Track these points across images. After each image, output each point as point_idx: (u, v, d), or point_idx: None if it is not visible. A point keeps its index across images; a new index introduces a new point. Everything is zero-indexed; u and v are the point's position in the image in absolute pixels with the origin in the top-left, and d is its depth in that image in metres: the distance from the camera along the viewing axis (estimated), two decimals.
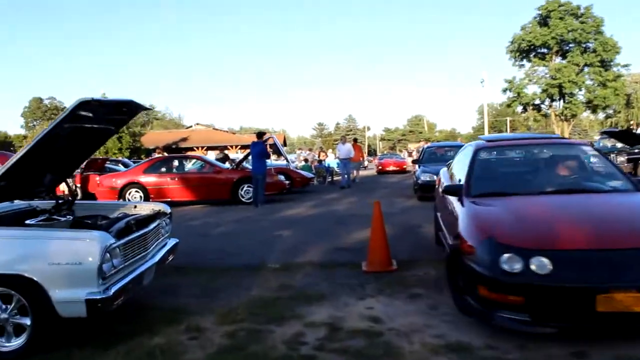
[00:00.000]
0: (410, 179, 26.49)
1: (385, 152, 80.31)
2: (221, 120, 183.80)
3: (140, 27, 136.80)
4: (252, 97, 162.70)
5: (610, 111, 50.32)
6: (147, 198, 15.25)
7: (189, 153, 45.10)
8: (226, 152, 51.19)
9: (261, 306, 5.13)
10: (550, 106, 43.98)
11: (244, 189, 15.27)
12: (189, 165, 16.36)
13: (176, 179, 15.46)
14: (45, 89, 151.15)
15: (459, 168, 6.49)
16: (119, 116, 5.22)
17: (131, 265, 4.43)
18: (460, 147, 17.74)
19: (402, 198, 15.45)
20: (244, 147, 45.15)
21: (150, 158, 18.27)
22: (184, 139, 58.83)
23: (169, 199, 15.34)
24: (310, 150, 36.72)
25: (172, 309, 5.11)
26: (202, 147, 56.43)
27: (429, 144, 20.07)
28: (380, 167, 34.53)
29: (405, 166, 33.68)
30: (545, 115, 45.71)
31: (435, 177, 13.25)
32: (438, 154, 16.74)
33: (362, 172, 37.80)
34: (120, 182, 15.50)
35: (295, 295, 5.43)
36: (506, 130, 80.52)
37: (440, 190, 6.65)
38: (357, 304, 5.12)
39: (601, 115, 54.47)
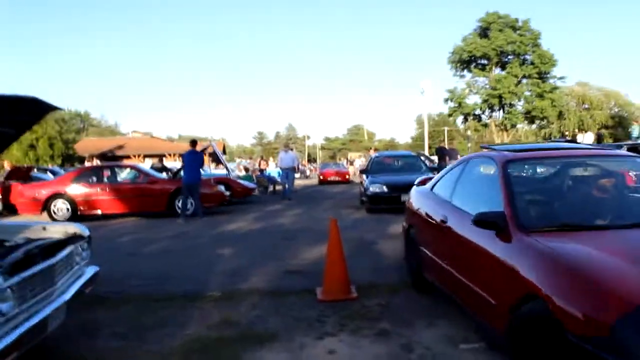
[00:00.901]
0: (354, 188, 25.97)
1: (326, 161, 79.98)
2: (159, 128, 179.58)
3: (75, 28, 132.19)
4: (191, 105, 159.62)
5: (544, 122, 51.34)
6: (75, 211, 14.01)
7: (125, 161, 43.33)
8: (164, 160, 49.77)
9: (199, 350, 4.21)
10: (490, 116, 44.53)
11: (181, 200, 14.18)
12: (122, 175, 15.11)
13: (107, 190, 14.23)
14: None
15: (470, 190, 4.90)
16: (20, 117, 4.22)
17: (31, 309, 3.46)
18: (410, 156, 17.43)
19: (349, 209, 14.73)
20: (182, 155, 43.67)
21: (78, 167, 16.91)
22: (121, 147, 56.91)
23: (100, 212, 14.19)
24: (251, 158, 35.68)
25: (85, 357, 4.13)
26: (139, 155, 54.76)
27: (376, 153, 18.95)
28: (322, 177, 33.28)
29: (347, 176, 33.15)
30: (486, 125, 46.24)
31: (384, 188, 13.20)
32: (386, 164, 16.19)
33: (304, 182, 37.07)
34: (44, 192, 14.16)
35: (240, 335, 4.54)
36: (444, 141, 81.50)
37: (441, 219, 4.82)
38: (316, 345, 4.27)
39: (534, 126, 55.59)
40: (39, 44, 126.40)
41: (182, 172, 15.71)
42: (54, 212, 14.00)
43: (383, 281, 6.16)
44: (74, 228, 4.65)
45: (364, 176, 15.07)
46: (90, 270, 4.68)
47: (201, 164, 14.09)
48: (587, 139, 25.51)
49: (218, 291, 5.94)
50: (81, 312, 5.03)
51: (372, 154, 19.46)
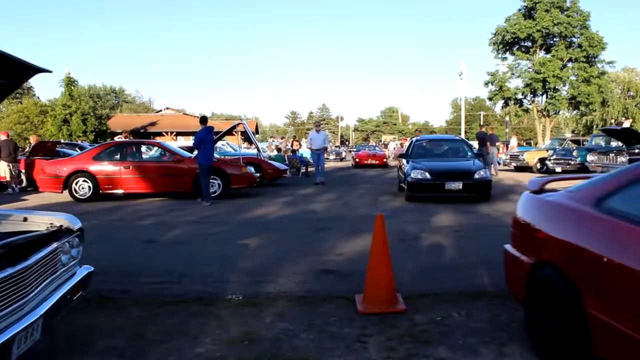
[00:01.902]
0: (390, 172, 24.86)
1: (361, 142, 78.68)
2: (193, 106, 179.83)
3: (110, 9, 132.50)
4: (225, 83, 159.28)
5: (587, 109, 49.27)
6: (97, 189, 13.33)
7: (157, 139, 42.94)
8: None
9: None
10: (533, 101, 42.70)
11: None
12: (147, 153, 14.35)
13: (131, 168, 13.47)
14: None
15: None
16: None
17: None
18: (454, 140, 15.99)
19: (386, 196, 13.73)
20: (215, 133, 43.06)
21: (102, 143, 16.19)
22: (153, 124, 56.61)
23: (123, 191, 13.47)
24: (283, 138, 34.73)
25: None
26: (172, 133, 54.41)
27: (418, 136, 17.31)
28: (357, 160, 30.95)
29: (385, 159, 31.04)
30: (527, 111, 44.45)
31: (427, 174, 11.94)
32: (429, 148, 14.76)
33: (337, 164, 36.04)
34: (66, 169, 13.46)
35: (263, 357, 3.64)
36: (479, 125, 79.49)
37: None
38: None
39: (575, 113, 53.40)
40: (74, 17, 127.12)
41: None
42: (76, 191, 13.33)
43: (434, 288, 5.18)
44: (61, 220, 3.78)
45: (404, 161, 13.78)
46: (82, 272, 3.80)
47: (214, 142, 13.37)
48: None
49: (239, 294, 5.03)
50: (81, 315, 4.22)
51: (415, 136, 17.95)
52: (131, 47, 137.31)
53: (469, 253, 6.79)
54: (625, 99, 58.91)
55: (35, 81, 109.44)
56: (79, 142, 31.07)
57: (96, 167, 13.43)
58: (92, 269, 4.01)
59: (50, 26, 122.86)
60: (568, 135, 54.19)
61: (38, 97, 72.10)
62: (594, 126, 58.77)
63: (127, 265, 6.29)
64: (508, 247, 4.26)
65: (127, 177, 13.41)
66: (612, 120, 46.15)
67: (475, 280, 5.48)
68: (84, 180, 13.35)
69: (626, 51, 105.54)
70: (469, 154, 14.00)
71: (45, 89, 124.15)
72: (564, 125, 71.56)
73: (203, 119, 13.41)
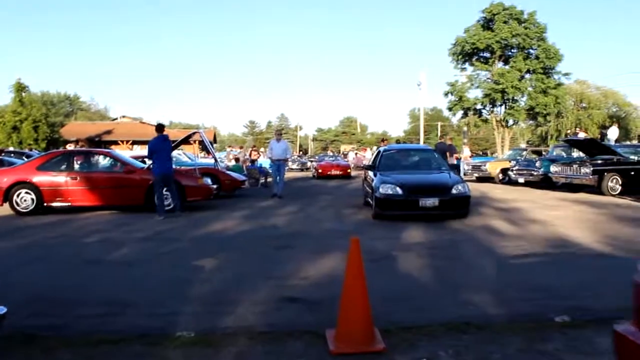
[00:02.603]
0: (352, 183, 24.27)
1: (320, 152, 78.20)
2: (150, 114, 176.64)
3: (65, 13, 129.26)
4: (183, 92, 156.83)
5: (543, 119, 49.91)
6: (40, 202, 12.34)
7: (113, 147, 41.61)
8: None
9: None
10: (492, 112, 42.95)
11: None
12: (96, 162, 13.42)
13: (78, 179, 12.54)
14: None
15: None
16: None
17: None
18: (426, 150, 14.82)
19: (350, 209, 13.12)
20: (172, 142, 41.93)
21: (46, 152, 15.16)
22: (109, 132, 55.13)
23: (69, 204, 12.52)
24: (241, 148, 33.81)
25: None
26: (128, 141, 53.10)
27: (385, 146, 15.83)
28: (320, 171, 29.08)
29: (349, 170, 29.63)
30: (486, 121, 44.68)
31: (399, 189, 10.62)
32: (398, 159, 13.34)
33: (297, 174, 35.33)
34: (6, 180, 12.47)
35: None
36: (436, 135, 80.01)
37: None
38: None
39: (530, 123, 54.05)
40: (29, 24, 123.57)
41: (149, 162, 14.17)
42: (17, 203, 12.33)
43: (415, 319, 4.57)
44: None
45: (370, 173, 12.52)
46: None
47: (170, 151, 12.54)
48: (611, 133, 24.13)
49: (191, 330, 4.32)
50: None
51: (382, 145, 16.41)
52: (87, 54, 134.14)
53: (446, 275, 6.22)
54: (578, 110, 60.23)
55: None
56: (27, 150, 29.63)
57: (40, 178, 12.46)
58: (5, 310, 3.26)
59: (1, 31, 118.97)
60: (523, 145, 54.83)
61: None
62: (549, 137, 59.81)
63: (63, 292, 5.51)
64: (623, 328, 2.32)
65: (74, 188, 12.48)
66: (568, 131, 46.87)
67: (459, 309, 4.90)
68: (27, 192, 12.37)
69: (578, 64, 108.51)
70: (443, 166, 12.85)
71: None
72: (520, 135, 72.78)
73: (159, 127, 12.62)
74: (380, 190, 10.74)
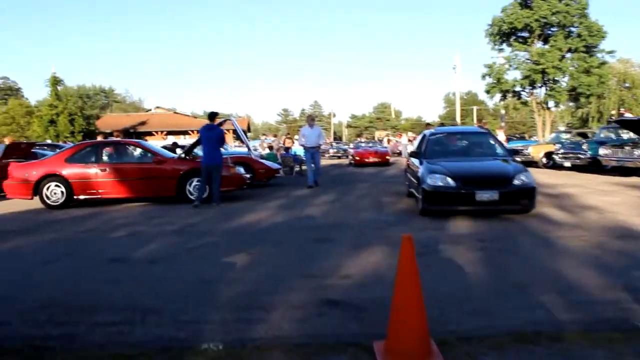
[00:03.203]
0: (389, 169, 23.54)
1: (352, 139, 77.35)
2: (184, 105, 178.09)
3: (99, 8, 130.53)
4: (216, 81, 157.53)
5: (585, 100, 48.09)
6: (70, 195, 12.05)
7: (148, 138, 41.78)
8: (186, 137, 47.95)
9: None
10: (532, 93, 41.44)
11: (193, 183, 12.12)
12: (126, 153, 13.03)
13: (108, 171, 12.21)
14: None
15: None
16: None
17: None
18: (479, 133, 12.55)
19: (389, 197, 12.46)
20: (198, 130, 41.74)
21: (76, 143, 14.85)
22: (143, 123, 55.59)
23: (99, 196, 12.18)
24: (275, 136, 33.29)
25: None
26: (162, 132, 53.44)
27: (432, 129, 13.28)
28: (357, 158, 28.02)
29: (388, 157, 28.60)
30: (525, 103, 43.20)
31: (450, 180, 8.91)
32: (447, 144, 11.57)
33: (331, 162, 34.72)
34: (35, 173, 12.22)
35: None
36: (472, 120, 78.40)
37: None
38: None
39: (570, 105, 52.16)
40: (64, 19, 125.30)
41: (196, 150, 13.75)
42: (47, 197, 12.07)
43: (474, 327, 3.95)
44: None
45: (415, 161, 10.79)
46: None
47: (221, 141, 12.11)
48: None
49: (218, 341, 3.77)
50: None
51: (426, 130, 13.86)
52: (121, 47, 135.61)
53: (504, 271, 5.54)
54: (621, 91, 57.93)
55: (22, 82, 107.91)
56: (62, 142, 29.67)
57: (69, 171, 12.17)
58: None
59: (37, 26, 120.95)
60: (561, 128, 53.04)
61: (26, 99, 70.76)
62: (590, 119, 57.75)
63: (81, 296, 5.04)
64: None
65: (103, 180, 12.16)
66: (612, 112, 45.11)
67: (524, 312, 4.25)
68: (56, 185, 12.09)
69: (620, 42, 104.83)
70: (500, 151, 10.86)
71: (32, 91, 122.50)
72: (559, 118, 70.75)
73: (209, 116, 12.42)
74: (428, 181, 9.05)
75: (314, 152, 15.72)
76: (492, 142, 11.43)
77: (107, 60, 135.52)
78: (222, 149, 12.32)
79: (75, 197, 12.13)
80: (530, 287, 4.86)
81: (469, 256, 6.18)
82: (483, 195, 8.67)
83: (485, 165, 9.95)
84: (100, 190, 12.16)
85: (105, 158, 12.56)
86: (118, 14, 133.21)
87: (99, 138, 21.49)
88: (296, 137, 45.21)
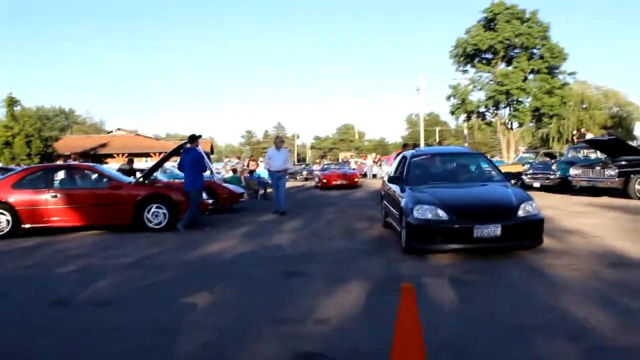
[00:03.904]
0: (355, 192, 22.86)
1: (316, 161, 76.90)
2: (146, 127, 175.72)
3: (63, 29, 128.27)
4: (179, 103, 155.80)
5: (546, 121, 48.67)
6: (17, 224, 11.08)
7: (108, 160, 40.58)
8: (148, 159, 46.79)
9: None
10: (496, 114, 41.66)
11: (152, 210, 11.30)
12: (78, 178, 12.14)
13: (59, 197, 11.29)
14: None
15: None
16: None
17: None
18: (469, 154, 11.16)
19: (360, 222, 11.79)
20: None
21: (22, 168, 13.89)
22: (104, 145, 54.13)
23: (49, 225, 11.27)
24: (239, 158, 32.39)
25: None
26: (124, 154, 52.09)
27: (414, 149, 11.14)
28: (324, 181, 26.44)
29: (356, 179, 27.38)
30: (489, 124, 43.41)
31: (442, 212, 7.27)
32: (432, 168, 9.97)
33: (295, 184, 33.99)
34: None
35: None
36: (435, 140, 78.81)
37: None
38: None
39: (530, 125, 52.72)
40: (25, 41, 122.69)
41: (156, 174, 12.98)
42: None
43: None
44: None
45: (395, 188, 9.08)
46: None
47: (199, 164, 11.57)
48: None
49: None
50: None
51: (409, 150, 11.86)
52: (81, 68, 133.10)
53: (501, 311, 4.93)
54: (579, 111, 58.95)
55: None
56: (14, 166, 28.27)
57: (16, 197, 11.21)
58: None
59: None
60: (522, 148, 53.50)
61: None
62: (550, 139, 58.51)
63: (2, 354, 4.25)
64: None
65: (54, 207, 11.23)
66: (575, 132, 45.67)
67: None
68: (1, 213, 11.12)
69: (580, 64, 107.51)
70: (495, 174, 9.11)
71: None
72: (520, 138, 71.63)
73: (190, 138, 11.90)
74: (415, 213, 7.39)
75: (280, 176, 14.48)
76: (484, 164, 9.89)
77: (67, 81, 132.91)
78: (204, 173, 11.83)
79: (22, 225, 11.19)
80: (535, 331, 4.27)
81: (458, 292, 5.56)
82: (483, 231, 7.05)
83: (482, 193, 8.29)
84: (50, 219, 11.24)
85: (56, 183, 11.66)
86: (81, 34, 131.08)
87: (60, 161, 20.41)
88: (261, 159, 44.44)
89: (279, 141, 15.16)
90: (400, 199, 8.32)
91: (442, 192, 8.00)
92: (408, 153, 10.17)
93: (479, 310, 4.93)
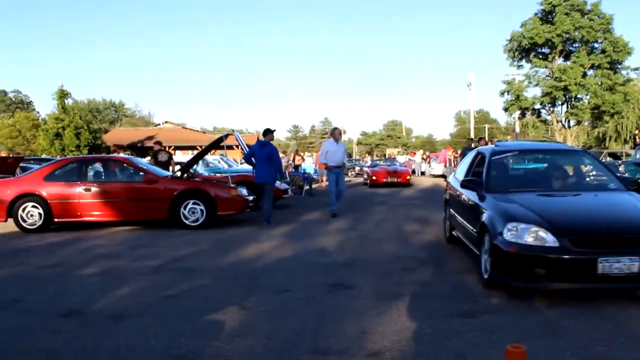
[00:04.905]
0: (409, 190, 21.72)
1: (362, 156, 75.85)
2: (193, 120, 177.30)
3: (113, 21, 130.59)
4: (226, 97, 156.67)
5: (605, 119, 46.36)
6: (49, 217, 10.57)
7: (120, 154, 40.68)
8: (194, 152, 46.71)
9: None
10: (552, 111, 39.78)
11: (188, 206, 10.59)
12: (112, 171, 11.55)
13: (92, 191, 10.71)
14: (10, 82, 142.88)
15: None
16: None
17: None
18: (570, 152, 8.29)
19: (412, 224, 10.89)
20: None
21: (55, 160, 13.38)
22: (151, 138, 54.32)
23: (82, 219, 10.72)
24: (285, 153, 31.63)
25: None
26: (170, 147, 52.30)
27: (494, 144, 8.85)
28: (374, 178, 24.93)
29: (408, 177, 25.81)
30: (545, 122, 41.52)
31: (547, 235, 5.02)
32: (523, 170, 8.17)
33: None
34: (10, 192, 10.72)
35: None
36: (484, 138, 76.51)
37: None
38: None
39: (585, 124, 50.32)
40: (75, 35, 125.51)
41: (196, 167, 12.31)
42: (23, 219, 10.59)
43: None
44: None
45: (471, 195, 6.80)
46: None
47: (273, 158, 11.06)
48: None
49: None
50: None
51: (485, 144, 10.19)
52: (133, 61, 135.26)
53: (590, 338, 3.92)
54: None
55: (34, 96, 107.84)
56: (53, 157, 28.16)
57: (49, 190, 10.69)
58: None
59: (51, 39, 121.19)
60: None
61: (38, 112, 70.19)
62: (607, 138, 55.84)
63: None
64: None
65: (86, 201, 10.67)
66: (636, 131, 43.32)
67: None
68: (34, 206, 10.62)
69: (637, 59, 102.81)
70: (611, 180, 6.80)
71: (44, 105, 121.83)
72: (575, 137, 68.92)
73: (264, 132, 11.46)
74: (506, 235, 5.21)
75: (338, 172, 12.67)
76: (592, 165, 7.54)
77: (118, 74, 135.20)
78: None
79: (55, 219, 10.66)
80: None
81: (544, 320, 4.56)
82: (612, 265, 4.82)
83: (603, 207, 5.94)
84: (83, 213, 10.68)
85: (89, 176, 11.09)
86: (132, 29, 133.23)
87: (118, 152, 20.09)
88: (307, 153, 43.55)
89: (338, 133, 13.26)
90: (479, 210, 6.19)
91: (543, 204, 5.79)
92: (486, 149, 7.85)
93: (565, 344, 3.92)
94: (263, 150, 10.90)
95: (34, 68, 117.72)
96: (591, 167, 7.58)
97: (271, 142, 11.44)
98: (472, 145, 14.43)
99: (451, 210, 8.21)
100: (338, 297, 5.43)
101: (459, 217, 7.49)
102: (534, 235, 5.07)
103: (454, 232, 8.08)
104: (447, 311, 4.81)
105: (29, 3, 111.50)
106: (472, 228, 6.42)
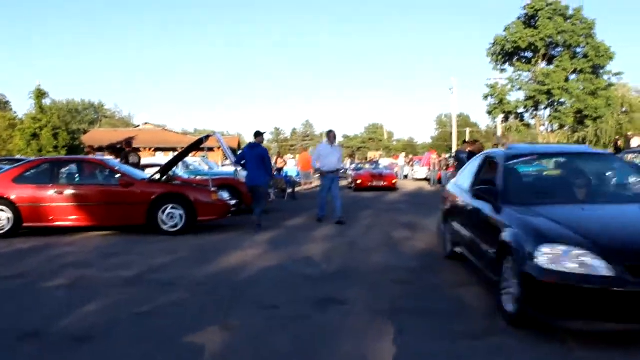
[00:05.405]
0: (393, 194, 21.19)
1: (350, 159, 75.56)
2: (175, 122, 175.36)
3: (92, 21, 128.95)
4: (207, 99, 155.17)
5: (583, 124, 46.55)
6: (18, 222, 9.96)
7: (90, 155, 39.88)
8: (173, 154, 46.05)
9: None
10: (535, 115, 39.82)
11: (167, 211, 10.06)
12: (86, 173, 10.97)
13: (64, 194, 10.13)
14: None
15: None
16: None
17: None
18: (595, 156, 7.06)
19: (401, 231, 10.46)
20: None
21: (27, 160, 12.75)
22: (131, 139, 53.41)
23: (53, 224, 10.12)
24: None
25: None
26: (150, 149, 51.58)
27: (506, 147, 6.89)
28: (358, 182, 23.96)
29: (395, 181, 24.84)
30: (528, 126, 41.54)
31: (594, 259, 3.90)
32: (540, 175, 7.49)
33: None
34: None
35: None
36: (466, 142, 76.58)
37: None
38: None
39: (566, 128, 50.49)
40: (54, 35, 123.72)
41: (175, 170, 11.81)
42: None
43: None
44: None
45: (480, 206, 5.74)
46: None
47: (264, 160, 10.78)
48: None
49: None
50: None
51: (499, 147, 8.69)
52: (112, 62, 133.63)
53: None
54: (619, 115, 56.52)
55: (12, 96, 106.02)
56: (20, 156, 27.12)
57: (18, 192, 10.08)
58: None
59: (28, 39, 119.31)
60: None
61: (15, 112, 68.80)
62: (587, 142, 56.22)
63: None
64: None
65: (58, 205, 10.07)
66: (617, 137, 43.54)
67: None
68: (1, 210, 10.01)
69: (627, 64, 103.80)
70: None
71: (22, 105, 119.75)
72: (555, 141, 69.16)
73: (255, 134, 11.28)
74: (540, 259, 4.09)
75: (333, 178, 11.91)
76: (625, 170, 6.41)
77: (98, 75, 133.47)
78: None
79: (24, 224, 10.06)
80: None
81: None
82: None
83: None
84: (54, 217, 10.09)
85: (62, 178, 10.51)
86: (112, 29, 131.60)
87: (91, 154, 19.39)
88: (290, 156, 42.93)
89: (333, 136, 12.36)
90: (496, 226, 5.11)
91: (581, 220, 4.62)
92: (496, 152, 6.77)
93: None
94: (254, 152, 10.68)
95: (11, 67, 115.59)
96: (627, 171, 6.33)
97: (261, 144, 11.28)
98: (468, 149, 13.74)
99: (453, 223, 7.06)
100: (330, 313, 4.96)
101: (465, 232, 6.36)
102: (578, 261, 3.94)
103: (457, 249, 6.91)
104: (450, 330, 4.37)
105: (5, 2, 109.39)
106: (487, 249, 5.32)
